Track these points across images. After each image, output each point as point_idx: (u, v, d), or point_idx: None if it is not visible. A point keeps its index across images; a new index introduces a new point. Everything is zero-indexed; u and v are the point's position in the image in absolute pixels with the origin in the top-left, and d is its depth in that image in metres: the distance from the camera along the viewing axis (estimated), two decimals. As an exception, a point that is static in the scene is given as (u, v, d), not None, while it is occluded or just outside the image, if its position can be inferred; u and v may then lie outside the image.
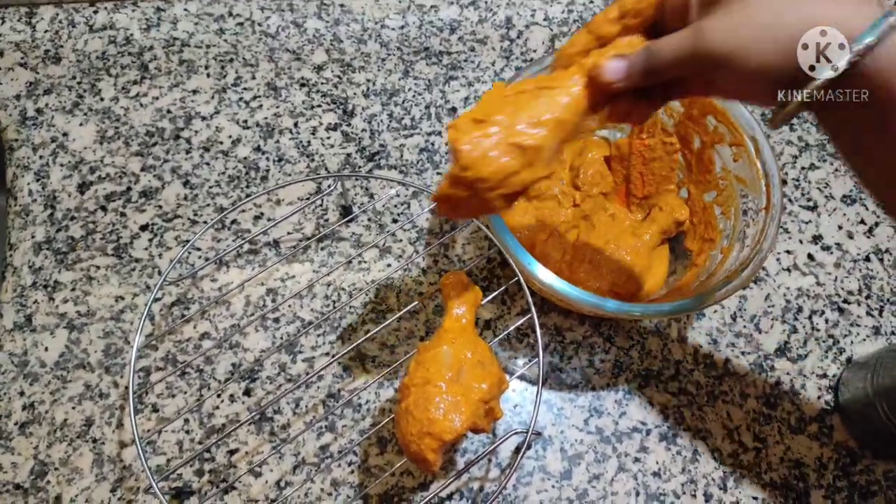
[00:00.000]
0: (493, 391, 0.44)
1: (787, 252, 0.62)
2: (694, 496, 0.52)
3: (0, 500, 0.50)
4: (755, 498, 0.52)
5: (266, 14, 0.72)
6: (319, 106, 0.67)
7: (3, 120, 0.65)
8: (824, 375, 0.57)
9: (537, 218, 0.60)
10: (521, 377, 0.56)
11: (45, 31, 0.70)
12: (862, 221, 0.64)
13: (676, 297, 0.51)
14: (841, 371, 0.57)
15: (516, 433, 0.49)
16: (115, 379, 0.55)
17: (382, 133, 0.66)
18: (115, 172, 0.63)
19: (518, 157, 0.36)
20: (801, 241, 0.63)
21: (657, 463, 0.53)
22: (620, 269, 0.57)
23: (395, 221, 0.62)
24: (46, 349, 0.56)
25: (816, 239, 0.63)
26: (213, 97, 0.67)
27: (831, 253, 0.62)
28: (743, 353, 0.58)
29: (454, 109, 0.68)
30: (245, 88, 0.68)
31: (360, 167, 0.64)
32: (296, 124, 0.66)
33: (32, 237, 0.60)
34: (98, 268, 0.59)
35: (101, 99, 0.67)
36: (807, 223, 0.64)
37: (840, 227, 0.64)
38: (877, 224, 0.64)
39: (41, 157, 0.64)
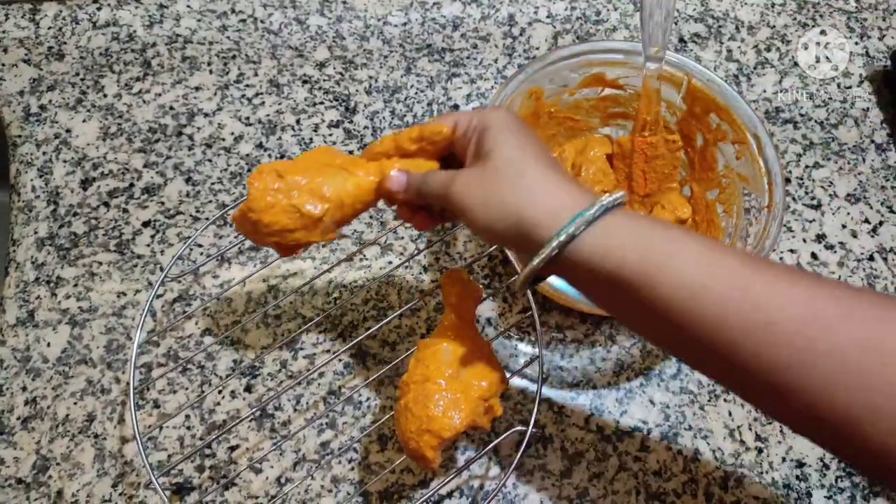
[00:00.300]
0: (493, 389, 0.44)
1: (791, 251, 0.62)
2: (695, 496, 0.52)
3: (2, 495, 0.51)
4: (757, 498, 0.52)
5: (269, 11, 0.72)
6: (322, 103, 0.67)
7: (7, 116, 0.66)
8: (827, 375, 0.57)
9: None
10: (522, 375, 0.56)
11: (49, 28, 0.70)
12: (866, 220, 0.64)
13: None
14: (844, 370, 0.57)
15: (516, 431, 0.49)
16: (116, 375, 0.55)
17: (384, 130, 0.66)
18: (117, 169, 0.63)
19: (296, 220, 0.41)
20: (804, 240, 0.63)
21: (658, 462, 0.53)
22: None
23: (395, 218, 0.62)
24: (49, 345, 0.56)
25: (820, 238, 0.63)
26: (215, 94, 0.67)
27: (835, 252, 0.62)
28: (745, 352, 0.57)
29: (456, 107, 0.68)
30: (247, 85, 0.68)
31: (362, 164, 0.64)
32: (298, 121, 0.66)
33: (35, 233, 0.60)
34: (100, 264, 0.59)
35: (105, 95, 0.67)
36: (810, 222, 0.63)
37: (844, 226, 0.63)
38: (881, 223, 0.63)
39: (44, 153, 0.64)
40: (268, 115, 0.66)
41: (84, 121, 0.65)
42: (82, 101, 0.66)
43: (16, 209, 0.61)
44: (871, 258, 0.62)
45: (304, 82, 0.68)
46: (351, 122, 0.66)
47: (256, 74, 0.68)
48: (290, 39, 0.71)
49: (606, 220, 0.34)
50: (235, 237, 0.60)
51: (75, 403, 0.54)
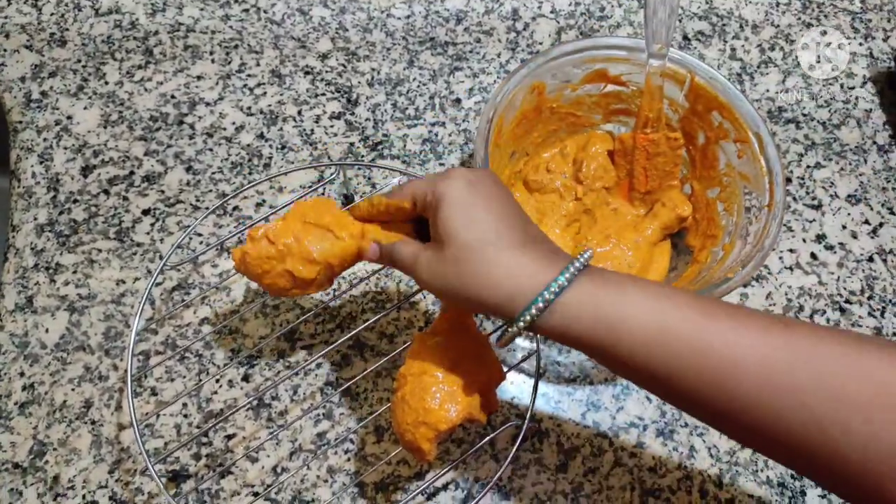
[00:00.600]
0: (490, 383, 0.44)
1: (790, 251, 0.62)
2: (689, 493, 0.52)
3: (-2, 480, 0.51)
4: (751, 496, 0.52)
5: (272, 1, 0.71)
6: (323, 94, 0.67)
7: (8, 102, 0.65)
8: (823, 375, 0.57)
9: (539, 211, 0.60)
10: (519, 369, 0.56)
11: (51, 14, 0.70)
12: (866, 221, 0.64)
13: (676, 292, 0.51)
14: (840, 371, 0.57)
15: (513, 425, 0.49)
16: (114, 362, 0.55)
17: (386, 123, 0.66)
18: (118, 156, 0.63)
19: (291, 282, 0.45)
20: (804, 240, 0.63)
21: (653, 458, 0.53)
22: (621, 264, 0.57)
23: (396, 211, 0.62)
24: (47, 331, 0.56)
25: (820, 238, 0.63)
26: (217, 83, 0.67)
27: (834, 252, 0.62)
28: (742, 350, 0.57)
29: (458, 101, 0.67)
30: (249, 75, 0.68)
31: (362, 156, 0.64)
32: (299, 112, 0.66)
33: (35, 219, 0.60)
34: (100, 251, 0.59)
35: (106, 83, 0.67)
36: (811, 222, 0.63)
37: (844, 227, 0.63)
38: (881, 224, 0.63)
39: (45, 139, 0.64)
40: (269, 106, 0.66)
41: (85, 108, 0.65)
42: (84, 88, 0.66)
43: (16, 195, 0.61)
44: (871, 259, 0.62)
45: (307, 73, 0.68)
46: (352, 113, 0.66)
47: (258, 64, 0.68)
48: (292, 30, 0.70)
49: (567, 292, 0.36)
50: (235, 227, 0.60)
51: (73, 390, 0.54)
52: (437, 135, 0.66)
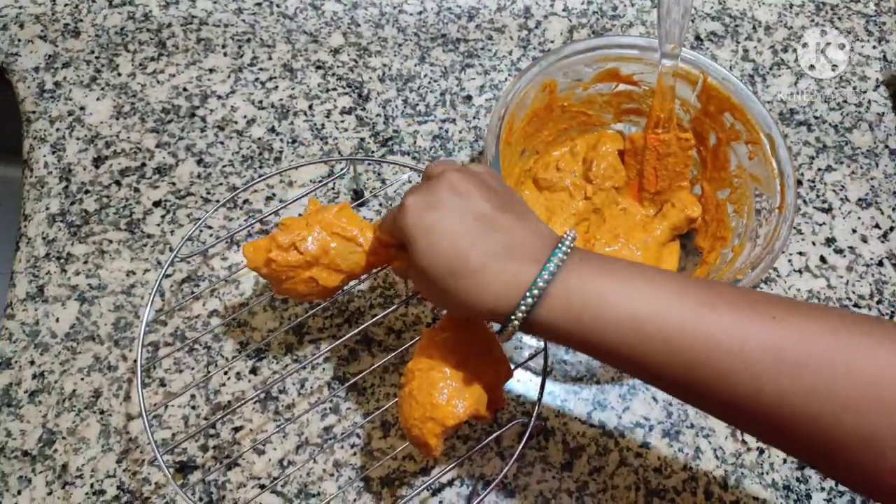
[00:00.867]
0: (498, 379, 0.44)
1: (800, 253, 0.62)
2: (694, 494, 0.52)
3: (8, 466, 0.51)
4: (756, 498, 0.52)
5: (285, -5, 0.72)
6: (335, 89, 0.67)
7: (22, 92, 0.66)
8: (831, 378, 0.57)
9: (548, 209, 0.60)
10: (526, 367, 0.56)
11: (66, 5, 0.70)
12: (877, 226, 0.63)
13: (685, 293, 0.51)
14: (848, 375, 0.57)
15: (519, 423, 0.49)
16: (123, 352, 0.55)
17: (396, 118, 0.66)
18: (130, 148, 0.64)
19: (313, 288, 0.46)
20: (813, 243, 0.62)
21: (659, 459, 0.53)
22: (630, 264, 0.57)
23: (406, 207, 0.62)
24: (57, 320, 0.56)
25: (830, 241, 0.63)
26: (229, 76, 0.67)
27: (844, 256, 0.62)
28: (749, 352, 0.57)
29: (469, 97, 0.67)
30: (261, 69, 0.68)
31: (373, 152, 0.64)
32: (310, 107, 0.66)
33: (47, 209, 0.60)
34: (110, 242, 0.59)
35: (119, 74, 0.67)
36: (821, 225, 0.63)
37: (854, 231, 0.63)
38: (891, 229, 0.63)
39: (58, 129, 0.64)
40: (280, 100, 0.66)
41: (98, 99, 0.66)
42: (96, 80, 0.67)
43: (28, 185, 0.62)
44: (881, 264, 0.62)
45: (318, 68, 0.68)
46: (363, 109, 0.66)
47: (270, 58, 0.68)
48: (305, 24, 0.71)
49: (554, 286, 0.35)
50: (245, 220, 0.61)
51: (82, 379, 0.54)
52: (447, 131, 0.66)
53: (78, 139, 0.64)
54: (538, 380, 0.55)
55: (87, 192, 0.61)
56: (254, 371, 0.55)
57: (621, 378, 0.56)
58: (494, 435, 0.49)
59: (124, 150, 0.63)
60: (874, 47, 0.73)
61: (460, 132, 0.66)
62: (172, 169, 0.63)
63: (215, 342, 0.56)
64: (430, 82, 0.68)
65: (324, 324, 0.57)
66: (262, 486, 0.51)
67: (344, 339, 0.49)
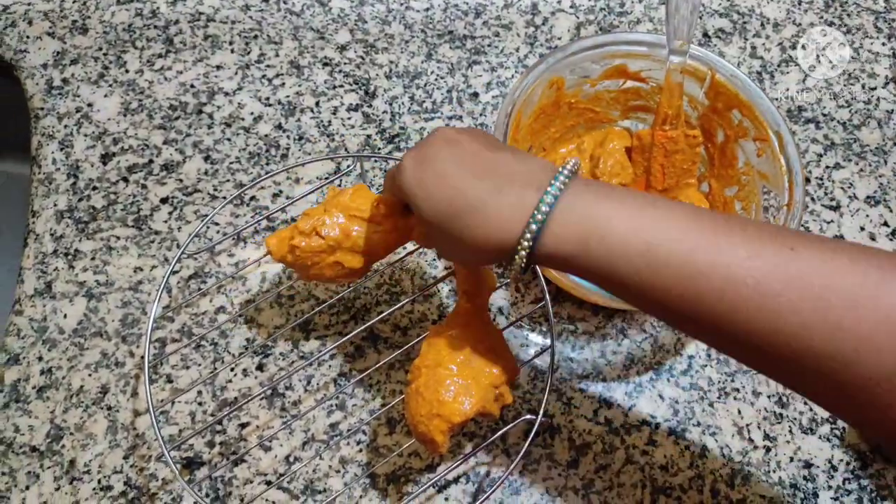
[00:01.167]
0: (504, 377, 0.44)
1: (807, 251, 0.62)
2: (701, 492, 0.52)
3: (16, 462, 0.51)
4: (763, 496, 0.52)
5: (292, -8, 0.72)
6: (341, 86, 0.67)
7: (30, 88, 0.66)
8: (839, 377, 0.57)
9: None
10: (532, 365, 0.56)
11: (74, 2, 0.70)
12: (885, 223, 0.63)
13: (692, 291, 0.51)
14: (856, 373, 0.57)
15: (525, 420, 0.49)
16: (131, 348, 0.55)
17: (403, 115, 0.66)
18: (137, 145, 0.64)
19: (339, 272, 0.47)
20: (821, 241, 0.62)
21: (665, 457, 0.53)
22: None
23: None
24: (65, 316, 0.56)
25: (838, 239, 0.62)
26: (236, 73, 0.67)
27: (852, 254, 0.61)
28: (757, 350, 0.57)
29: (476, 94, 0.67)
30: (268, 66, 0.68)
31: (379, 149, 0.64)
32: (317, 103, 0.66)
33: (55, 205, 0.61)
34: (118, 238, 0.60)
35: (127, 71, 0.67)
36: (829, 223, 0.63)
37: (862, 229, 0.63)
38: (900, 226, 0.63)
39: (66, 126, 0.64)
40: (287, 97, 0.66)
41: (106, 95, 0.66)
42: (104, 76, 0.67)
43: (36, 181, 0.62)
44: (889, 261, 0.61)
45: (325, 65, 0.68)
46: (370, 106, 0.66)
47: (277, 55, 0.69)
48: (312, 21, 0.70)
49: (558, 211, 0.35)
50: (252, 217, 0.61)
51: (90, 375, 0.54)
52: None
53: (86, 136, 0.64)
54: (544, 377, 0.55)
55: (94, 188, 0.62)
56: (260, 367, 0.55)
57: (627, 376, 0.56)
58: (500, 432, 0.49)
59: (132, 147, 0.64)
60: (883, 44, 0.72)
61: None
62: (180, 166, 0.63)
63: (222, 339, 0.56)
64: (436, 79, 0.68)
65: (330, 320, 0.57)
66: (269, 483, 0.51)
67: (350, 335, 0.49)
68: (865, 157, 0.66)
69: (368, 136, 0.65)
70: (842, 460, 0.54)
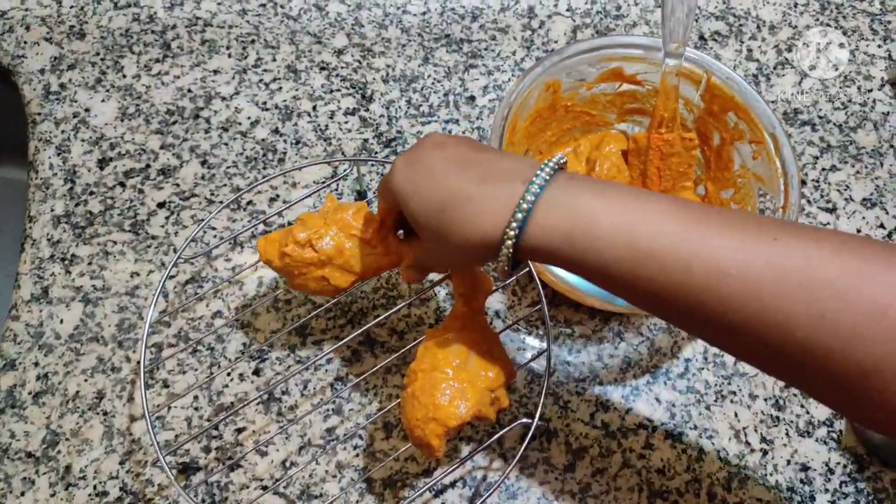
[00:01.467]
0: (500, 380, 0.44)
1: (804, 254, 0.61)
2: (698, 495, 0.52)
3: (12, 467, 0.51)
4: (760, 500, 0.52)
5: (289, -4, 0.72)
6: (338, 90, 0.67)
7: (28, 94, 0.66)
8: (836, 379, 0.57)
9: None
10: (529, 368, 0.56)
11: (71, 7, 0.70)
12: (881, 226, 0.63)
13: (688, 294, 0.51)
14: (853, 376, 0.57)
15: (521, 424, 0.49)
16: (127, 353, 0.55)
17: (400, 119, 0.66)
18: (134, 149, 0.64)
19: (324, 287, 0.47)
20: (818, 244, 0.62)
21: (662, 460, 0.53)
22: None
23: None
24: (62, 321, 0.56)
25: (834, 241, 0.62)
26: (233, 78, 0.67)
27: (849, 256, 0.61)
28: (754, 353, 0.57)
29: (473, 98, 0.67)
30: (265, 70, 0.68)
31: (376, 153, 0.64)
32: (314, 108, 0.66)
33: (52, 210, 0.61)
34: (115, 243, 0.60)
35: (124, 76, 0.67)
36: (825, 225, 0.63)
37: (859, 231, 0.63)
38: (897, 229, 0.63)
39: (63, 131, 0.64)
40: (284, 101, 0.67)
41: (103, 100, 0.66)
42: (102, 81, 0.67)
43: (33, 186, 0.62)
44: (886, 264, 0.61)
45: (322, 69, 0.68)
46: (367, 110, 0.66)
47: (274, 59, 0.69)
48: (309, 25, 0.71)
49: (543, 201, 0.35)
50: (249, 221, 0.61)
51: (86, 380, 0.54)
52: (451, 132, 0.66)
53: (83, 141, 0.64)
54: (541, 381, 0.55)
55: (91, 193, 0.62)
56: (257, 372, 0.55)
57: (624, 379, 0.56)
58: (497, 436, 0.49)
59: (129, 152, 0.64)
60: (879, 46, 0.72)
61: (464, 133, 0.66)
62: (177, 170, 0.63)
63: (218, 343, 0.56)
64: (433, 83, 0.68)
65: (327, 325, 0.57)
66: (265, 488, 0.51)
67: (347, 339, 0.49)
68: (861, 160, 0.66)
69: (365, 140, 0.65)
70: (839, 463, 0.53)
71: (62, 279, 0.58)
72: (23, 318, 0.56)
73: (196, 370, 0.55)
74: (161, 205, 0.61)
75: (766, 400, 0.55)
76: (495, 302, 0.58)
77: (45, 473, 0.51)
